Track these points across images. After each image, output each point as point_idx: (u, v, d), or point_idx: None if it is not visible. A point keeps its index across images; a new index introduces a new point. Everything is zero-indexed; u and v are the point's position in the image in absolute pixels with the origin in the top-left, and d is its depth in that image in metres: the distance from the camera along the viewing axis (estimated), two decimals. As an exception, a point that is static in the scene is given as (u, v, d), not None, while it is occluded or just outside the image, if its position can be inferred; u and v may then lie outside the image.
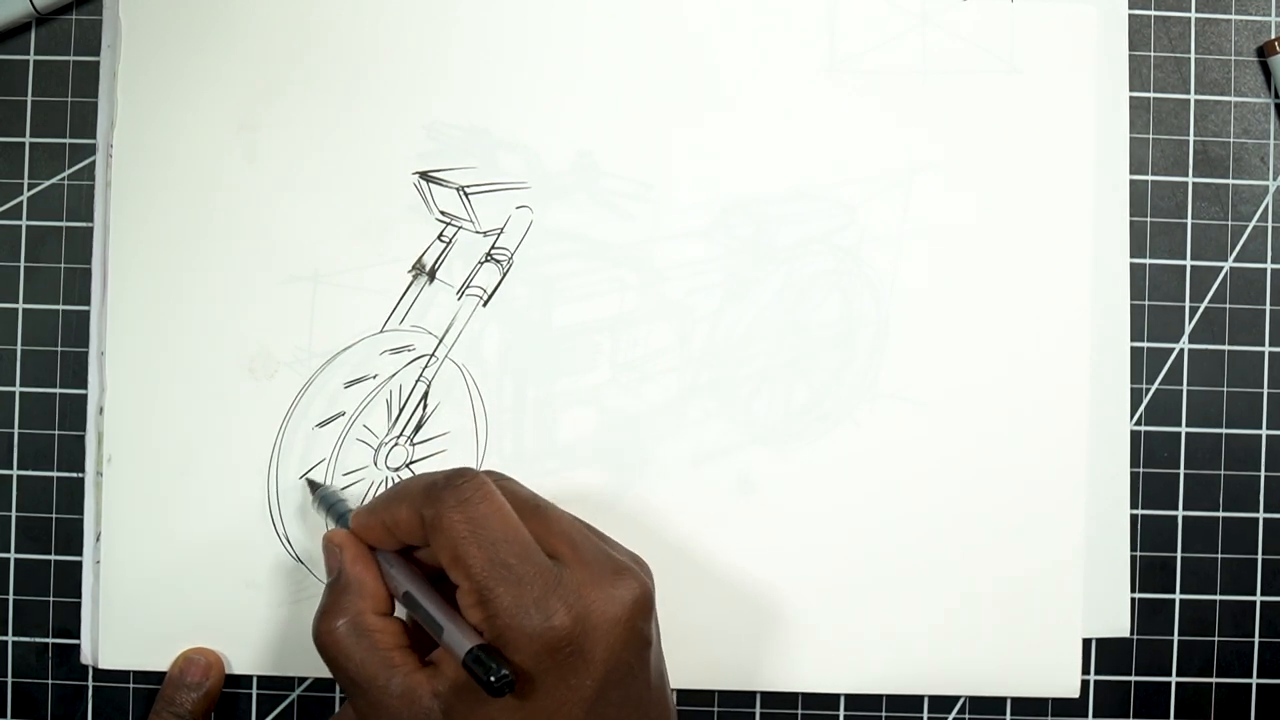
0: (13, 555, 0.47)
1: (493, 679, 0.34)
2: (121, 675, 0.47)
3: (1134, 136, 0.48)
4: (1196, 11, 0.49)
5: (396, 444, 0.46)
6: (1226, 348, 0.48)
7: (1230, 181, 0.49)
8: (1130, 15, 0.48)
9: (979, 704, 0.48)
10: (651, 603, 0.38)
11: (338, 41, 0.46)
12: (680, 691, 0.47)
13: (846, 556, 0.47)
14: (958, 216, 0.47)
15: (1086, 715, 0.48)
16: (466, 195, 0.47)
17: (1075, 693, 0.47)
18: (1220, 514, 0.48)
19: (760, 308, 0.47)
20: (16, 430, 0.47)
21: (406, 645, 0.38)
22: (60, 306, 0.48)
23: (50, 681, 0.47)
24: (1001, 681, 0.47)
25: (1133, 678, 0.48)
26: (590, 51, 0.47)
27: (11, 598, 0.47)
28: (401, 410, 0.46)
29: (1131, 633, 0.48)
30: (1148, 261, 0.48)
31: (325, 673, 0.46)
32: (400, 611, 0.39)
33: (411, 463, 0.46)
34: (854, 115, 0.47)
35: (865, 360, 0.47)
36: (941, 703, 0.48)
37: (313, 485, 0.45)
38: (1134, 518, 0.48)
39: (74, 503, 0.47)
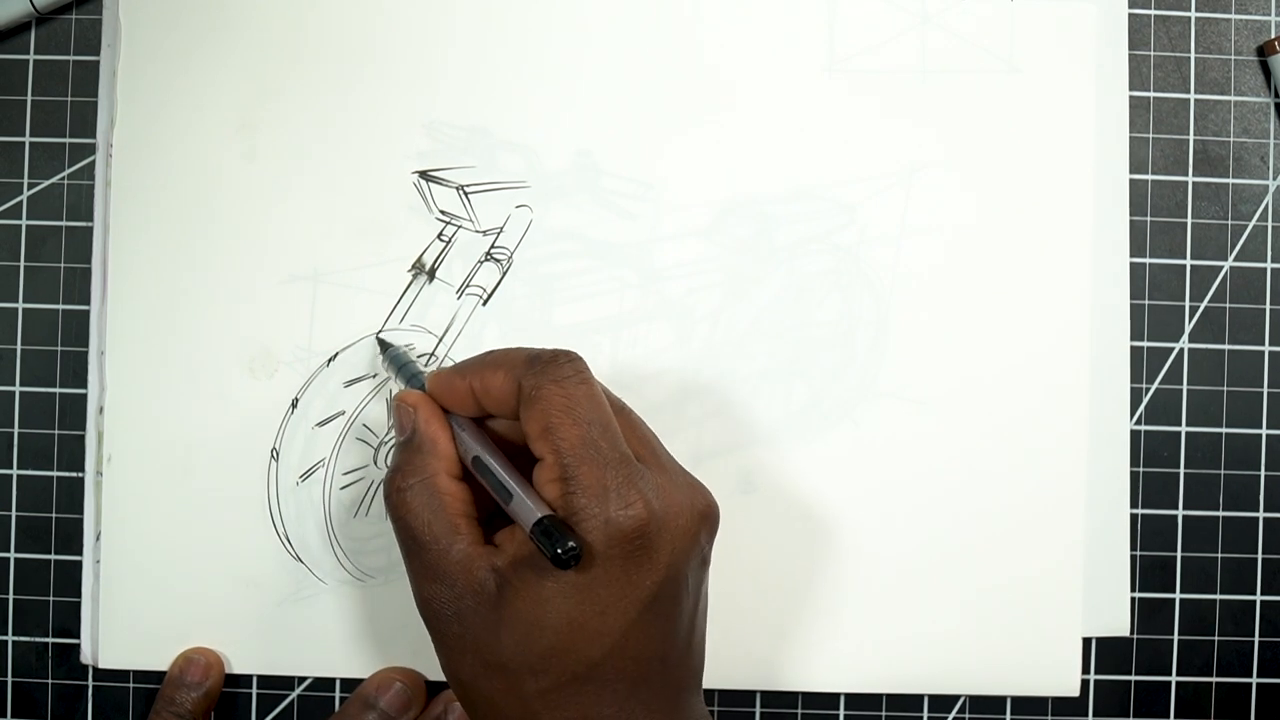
0: (13, 555, 0.47)
1: (560, 550, 0.33)
2: (121, 675, 0.47)
3: (1134, 136, 0.48)
4: (1196, 11, 0.49)
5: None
6: (1226, 347, 0.48)
7: (1230, 181, 0.49)
8: (1130, 15, 0.48)
9: (979, 704, 0.48)
10: (717, 522, 0.38)
11: (337, 41, 0.46)
12: (680, 691, 0.47)
13: (846, 556, 0.47)
14: (957, 216, 0.47)
15: (1086, 715, 0.48)
16: (466, 195, 0.47)
17: (1075, 692, 0.47)
18: (1220, 514, 0.48)
19: (760, 307, 0.47)
20: (16, 430, 0.47)
21: (473, 515, 0.37)
22: (60, 306, 0.48)
23: (50, 681, 0.47)
24: (1001, 681, 0.47)
25: (1133, 677, 0.48)
26: (590, 51, 0.47)
27: (11, 598, 0.47)
28: (401, 410, 0.46)
29: (1131, 632, 0.48)
30: (1148, 261, 0.48)
31: (325, 673, 0.46)
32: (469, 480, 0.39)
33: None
34: (854, 115, 0.47)
35: (865, 360, 0.47)
36: (941, 702, 0.48)
37: (383, 345, 0.45)
38: (1134, 517, 0.48)
39: (74, 503, 0.47)
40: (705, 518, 0.37)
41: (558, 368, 0.37)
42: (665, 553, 0.35)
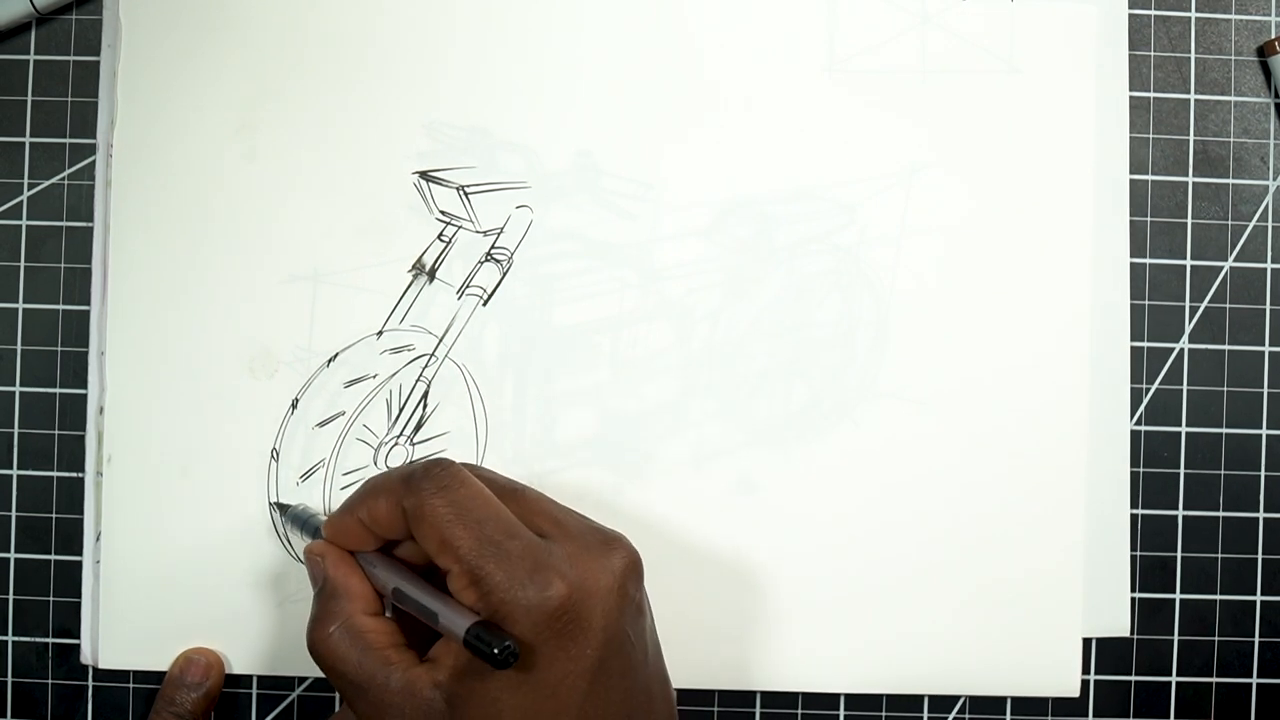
0: (13, 555, 0.47)
1: (496, 651, 0.34)
2: (121, 675, 0.47)
3: (1134, 136, 0.48)
4: (1196, 11, 0.49)
5: (396, 444, 0.46)
6: (1226, 348, 0.48)
7: (1230, 181, 0.49)
8: (1130, 15, 0.48)
9: (979, 704, 0.48)
10: (641, 570, 0.38)
11: (337, 41, 0.46)
12: (680, 691, 0.47)
13: (846, 556, 0.47)
14: (957, 216, 0.47)
15: (1086, 715, 0.48)
16: (466, 195, 0.47)
17: (1075, 692, 0.47)
18: (1220, 514, 0.48)
19: (760, 308, 0.47)
20: (16, 430, 0.47)
21: (402, 643, 0.38)
22: (60, 306, 0.48)
23: (50, 681, 0.47)
24: (1001, 681, 0.47)
25: (1133, 677, 0.48)
26: (590, 51, 0.47)
27: (11, 598, 0.47)
28: (401, 410, 0.46)
29: (1131, 632, 0.48)
30: (1148, 261, 0.48)
31: (325, 672, 0.46)
32: (391, 613, 0.39)
33: (411, 462, 0.46)
34: (854, 115, 0.47)
35: (865, 360, 0.47)
36: (941, 703, 0.48)
37: (281, 508, 0.45)
38: (1134, 517, 0.48)
39: (74, 503, 0.47)
40: (627, 570, 0.37)
41: (433, 479, 0.37)
42: (597, 617, 0.35)
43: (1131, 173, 0.48)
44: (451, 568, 0.36)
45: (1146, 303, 0.48)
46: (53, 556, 0.47)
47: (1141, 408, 0.48)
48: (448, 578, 0.36)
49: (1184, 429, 0.48)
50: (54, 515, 0.47)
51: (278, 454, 0.46)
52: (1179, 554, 0.48)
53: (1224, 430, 0.48)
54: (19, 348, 0.48)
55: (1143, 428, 0.48)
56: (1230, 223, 0.49)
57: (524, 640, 0.35)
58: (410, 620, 0.38)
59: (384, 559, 0.39)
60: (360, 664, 0.37)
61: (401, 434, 0.46)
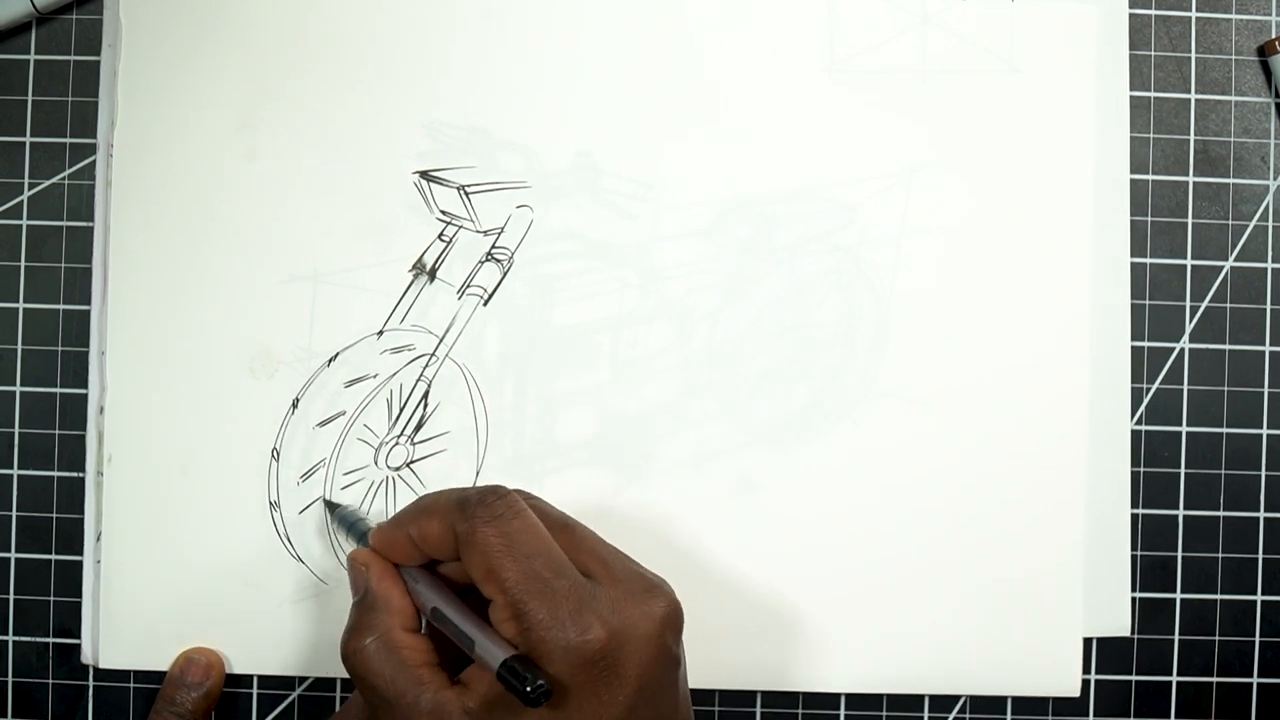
0: (13, 555, 0.47)
1: (529, 689, 0.34)
2: (122, 675, 0.47)
3: (1134, 136, 0.48)
4: (1197, 11, 0.49)
5: (397, 443, 0.46)
6: (1227, 347, 0.48)
7: (1230, 181, 0.49)
8: (1130, 15, 0.48)
9: (979, 704, 0.48)
10: (681, 621, 0.38)
11: (338, 41, 0.46)
12: (680, 691, 0.47)
13: (846, 556, 0.46)
14: (958, 216, 0.47)
15: (1087, 715, 0.48)
16: (466, 195, 0.47)
17: (1076, 692, 0.47)
18: (1220, 514, 0.48)
19: (760, 308, 0.47)
20: (16, 430, 0.47)
21: (435, 663, 0.38)
22: (60, 306, 0.48)
23: (50, 681, 0.47)
24: (1001, 681, 0.47)
25: (1133, 677, 0.48)
26: (590, 51, 0.47)
27: (12, 598, 0.47)
28: (402, 410, 0.46)
29: (1132, 632, 0.48)
30: (1148, 261, 0.48)
31: (325, 673, 0.46)
32: (427, 630, 0.39)
33: (412, 462, 0.46)
34: (854, 115, 0.47)
35: (865, 360, 0.47)
36: (941, 703, 0.48)
37: (330, 506, 0.45)
38: (1134, 517, 0.48)
39: (74, 503, 0.47)
40: (667, 621, 0.37)
41: (487, 508, 0.37)
42: (633, 665, 0.35)
43: (1131, 173, 0.48)
44: (495, 598, 0.36)
45: (1147, 303, 0.48)
46: (53, 556, 0.47)
47: (1142, 408, 0.48)
48: (490, 606, 0.36)
49: (1184, 429, 0.48)
50: (54, 515, 0.47)
51: (278, 454, 0.46)
52: (1179, 554, 0.48)
53: (1224, 430, 0.48)
54: (19, 348, 0.48)
55: (1143, 427, 0.48)
56: (1230, 222, 0.49)
57: (558, 680, 0.35)
58: (444, 637, 0.38)
59: (427, 575, 0.39)
60: (393, 680, 0.37)
61: (402, 434, 0.46)
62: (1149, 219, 0.48)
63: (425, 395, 0.46)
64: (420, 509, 0.38)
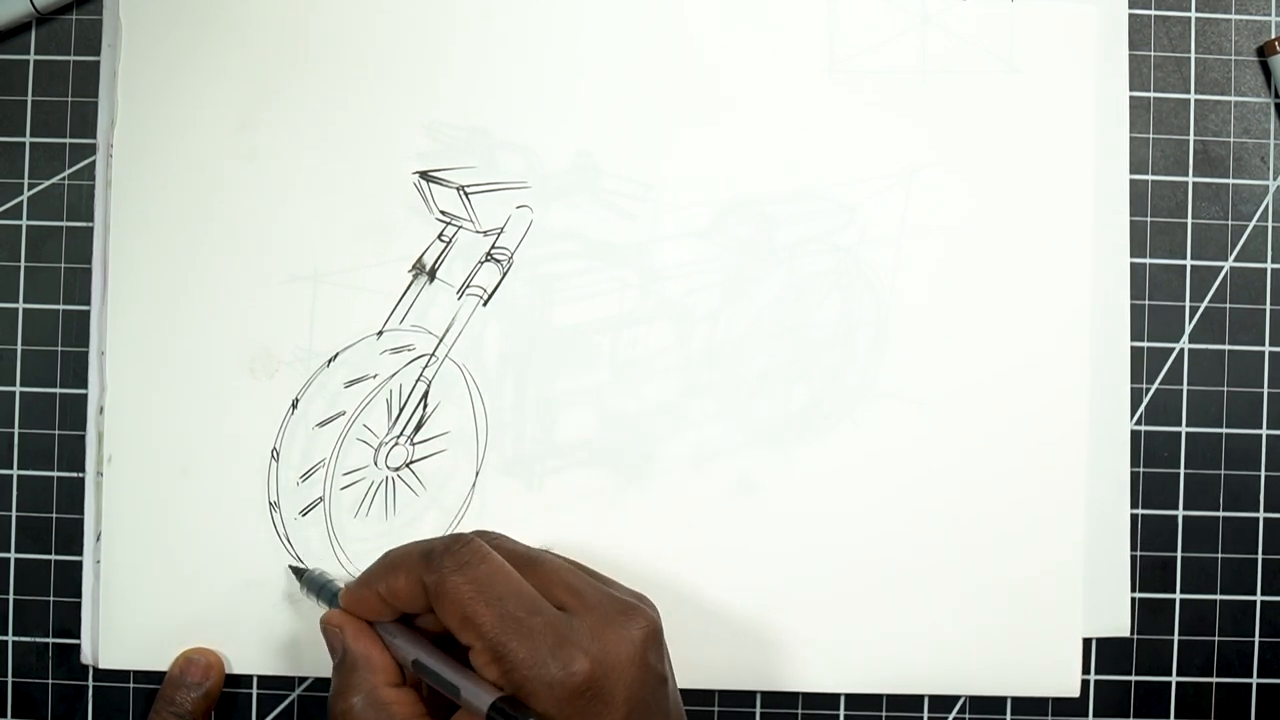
0: (13, 555, 0.47)
1: None
2: (121, 675, 0.47)
3: (1134, 136, 0.48)
4: (1196, 11, 0.49)
5: (397, 444, 0.46)
6: (1226, 348, 0.48)
7: (1230, 181, 0.49)
8: (1130, 15, 0.48)
9: (979, 704, 0.48)
10: (661, 637, 0.38)
11: (338, 41, 0.46)
12: (681, 691, 0.47)
13: (846, 556, 0.47)
14: (957, 216, 0.47)
15: (1087, 715, 0.48)
16: (466, 195, 0.47)
17: (1075, 692, 0.47)
18: (1220, 514, 0.48)
19: (760, 308, 0.47)
20: (16, 430, 0.47)
21: (424, 714, 0.38)
22: (60, 306, 0.48)
23: (50, 681, 0.47)
24: (1001, 681, 0.47)
25: (1133, 677, 0.48)
26: (590, 51, 0.47)
27: (11, 598, 0.47)
28: (402, 410, 0.46)
29: (1131, 632, 0.48)
30: (1148, 261, 0.48)
31: (325, 673, 0.46)
32: (411, 682, 0.39)
33: (412, 462, 0.46)
34: (854, 115, 0.47)
35: (865, 360, 0.47)
36: (941, 703, 0.48)
37: (298, 572, 0.45)
38: (1134, 518, 0.48)
39: (74, 503, 0.47)
40: (647, 641, 0.37)
41: (453, 556, 0.37)
42: (620, 690, 0.36)
43: (1131, 173, 0.48)
44: (474, 644, 0.36)
45: (1146, 303, 0.48)
46: (53, 556, 0.47)
47: (1141, 408, 0.48)
48: (470, 653, 0.36)
49: (1184, 429, 0.48)
50: (54, 515, 0.47)
51: (278, 454, 0.46)
52: (1179, 554, 0.48)
53: (1224, 430, 0.48)
54: (19, 348, 0.48)
55: (1143, 428, 0.48)
56: (1230, 223, 0.49)
57: (547, 716, 0.35)
58: (428, 688, 0.38)
59: (403, 629, 0.39)
60: None
61: (401, 434, 0.46)
62: (1149, 219, 0.48)
63: (425, 395, 0.46)
64: (386, 565, 0.39)
